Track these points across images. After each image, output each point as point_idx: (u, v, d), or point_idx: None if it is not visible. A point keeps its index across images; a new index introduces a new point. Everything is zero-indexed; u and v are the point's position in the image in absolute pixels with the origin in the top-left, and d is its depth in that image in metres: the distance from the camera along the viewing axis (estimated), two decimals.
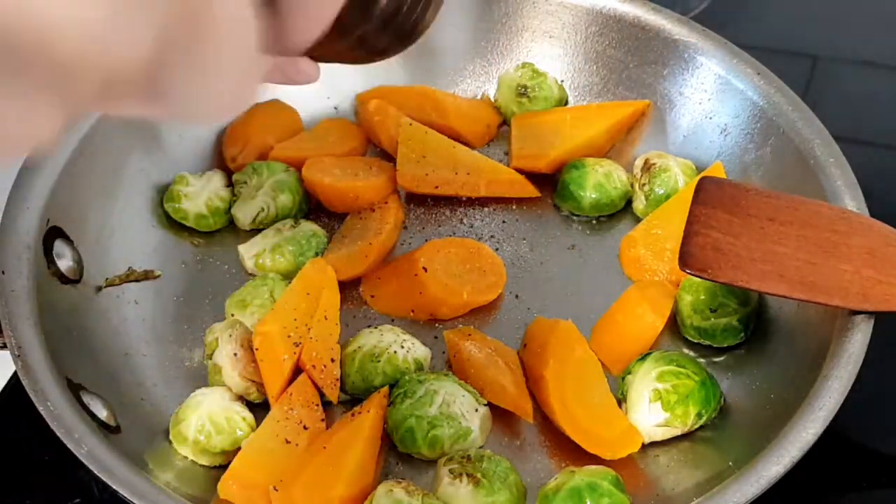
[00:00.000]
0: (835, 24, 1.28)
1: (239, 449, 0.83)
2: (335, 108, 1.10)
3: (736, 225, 0.85)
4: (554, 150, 1.03)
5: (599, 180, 1.01)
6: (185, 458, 0.84)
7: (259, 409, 0.87)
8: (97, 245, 0.94)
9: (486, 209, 1.03)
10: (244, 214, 1.00)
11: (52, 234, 0.90)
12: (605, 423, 0.85)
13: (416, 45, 1.16)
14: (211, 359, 0.88)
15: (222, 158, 1.05)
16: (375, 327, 0.91)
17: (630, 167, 1.04)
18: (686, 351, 0.91)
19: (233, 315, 0.92)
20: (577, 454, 0.84)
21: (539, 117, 1.06)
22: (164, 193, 1.01)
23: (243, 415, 0.85)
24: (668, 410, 0.84)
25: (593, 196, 1.00)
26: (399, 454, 0.85)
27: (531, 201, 1.03)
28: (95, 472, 0.75)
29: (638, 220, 1.01)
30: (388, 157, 1.05)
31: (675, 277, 0.94)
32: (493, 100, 1.10)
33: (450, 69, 1.12)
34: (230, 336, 0.88)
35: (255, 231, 1.00)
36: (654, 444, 0.86)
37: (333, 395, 0.87)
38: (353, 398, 0.88)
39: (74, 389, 0.81)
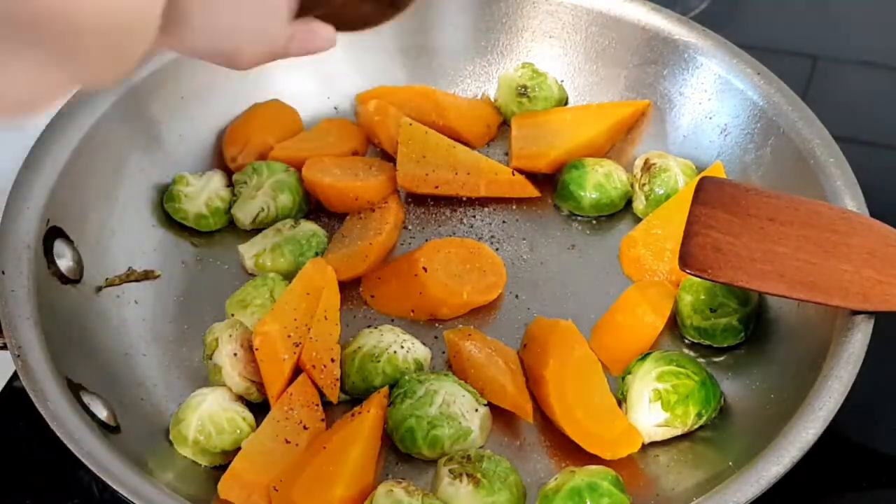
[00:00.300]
0: (835, 24, 1.28)
1: (239, 449, 0.83)
2: (335, 108, 1.10)
3: (736, 225, 0.85)
4: (554, 150, 1.03)
5: (599, 180, 1.01)
6: (185, 458, 0.84)
7: (259, 409, 0.87)
8: (97, 245, 0.94)
9: (486, 209, 1.03)
10: (244, 214, 1.00)
11: (52, 234, 0.90)
12: (605, 423, 0.85)
13: (416, 45, 1.17)
14: (211, 359, 0.88)
15: (222, 158, 1.05)
16: (375, 327, 0.91)
17: (630, 167, 1.04)
18: (686, 351, 0.91)
19: (233, 315, 0.92)
20: (577, 454, 0.84)
21: (539, 117, 1.06)
22: (164, 193, 1.01)
23: (243, 415, 0.85)
24: (668, 410, 0.84)
25: (593, 196, 1.00)
26: (399, 454, 0.85)
27: (531, 201, 1.03)
28: (95, 472, 0.75)
29: (638, 220, 1.01)
30: (388, 157, 1.05)
31: (675, 277, 0.94)
32: (493, 100, 1.10)
33: (450, 69, 1.12)
34: (230, 336, 0.88)
35: (255, 231, 1.00)
36: (654, 444, 0.86)
37: (333, 395, 0.87)
38: (353, 398, 0.88)
39: (74, 389, 0.81)
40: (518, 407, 0.86)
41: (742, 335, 0.91)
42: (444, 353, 0.92)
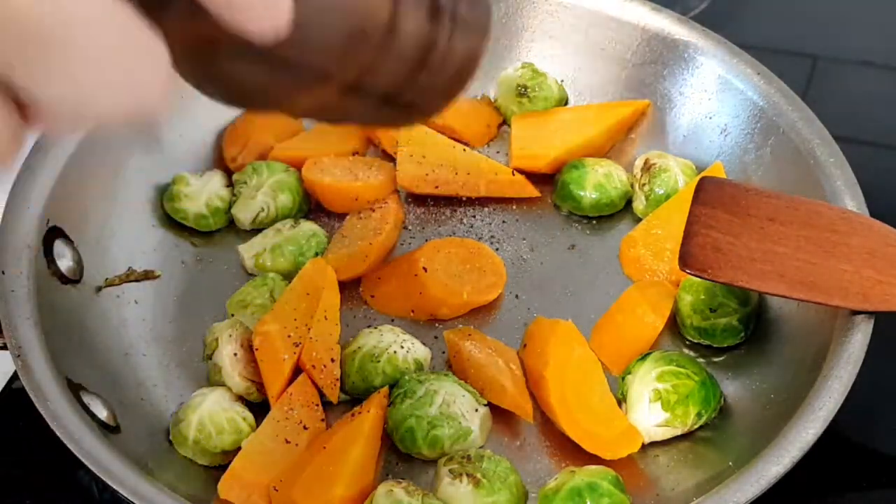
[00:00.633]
0: (835, 24, 1.28)
1: (239, 449, 0.83)
2: None
3: (736, 225, 0.85)
4: (554, 150, 1.03)
5: (599, 180, 1.01)
6: (185, 458, 0.84)
7: (259, 409, 0.86)
8: (97, 245, 0.94)
9: (486, 209, 1.03)
10: (244, 214, 1.00)
11: (52, 234, 0.90)
12: (605, 423, 0.85)
13: None
14: (211, 359, 0.88)
15: (222, 158, 1.05)
16: (375, 327, 0.91)
17: (630, 167, 1.04)
18: (686, 351, 0.91)
19: (233, 315, 0.92)
20: (577, 454, 0.84)
21: (539, 117, 1.06)
22: (164, 193, 1.01)
23: (243, 415, 0.85)
24: (668, 410, 0.84)
25: (593, 196, 1.00)
26: (399, 454, 0.85)
27: (531, 201, 1.03)
28: (95, 472, 0.75)
29: (638, 220, 1.01)
30: (388, 157, 1.05)
31: (675, 277, 0.94)
32: (493, 100, 1.10)
33: None
34: (230, 336, 0.88)
35: (255, 231, 1.00)
36: (654, 444, 0.86)
37: (333, 395, 0.87)
38: (353, 398, 0.88)
39: (74, 389, 0.81)
40: (518, 407, 0.86)
41: (742, 335, 0.91)
42: (444, 353, 0.92)
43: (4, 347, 0.81)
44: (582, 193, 1.00)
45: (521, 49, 1.10)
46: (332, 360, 0.87)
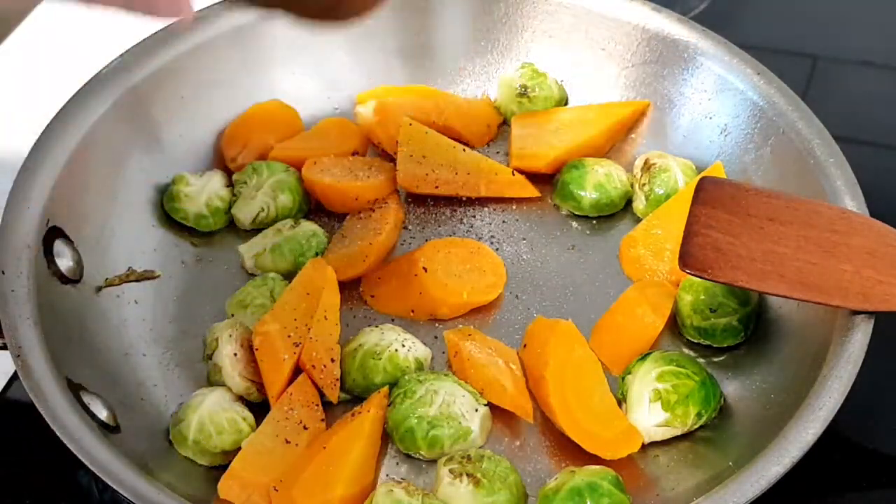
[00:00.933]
0: (835, 24, 1.28)
1: (239, 449, 0.83)
2: (335, 108, 1.10)
3: (736, 225, 0.85)
4: (554, 150, 1.03)
5: (599, 180, 1.01)
6: (185, 458, 0.84)
7: (259, 409, 0.86)
8: (97, 245, 0.94)
9: (486, 209, 1.03)
10: (244, 214, 1.00)
11: (52, 234, 0.90)
12: (605, 423, 0.85)
13: (416, 45, 1.16)
14: (211, 359, 0.88)
15: (222, 158, 1.05)
16: (376, 326, 0.91)
17: (630, 167, 1.04)
18: (686, 351, 0.91)
19: (233, 315, 0.92)
20: (577, 454, 0.84)
21: (539, 117, 1.06)
22: (164, 193, 1.01)
23: (243, 415, 0.85)
24: (668, 410, 0.84)
25: (593, 196, 1.00)
26: (399, 454, 0.85)
27: (531, 201, 1.03)
28: (95, 472, 0.75)
29: (638, 220, 1.01)
30: (388, 157, 1.05)
31: (675, 277, 0.94)
32: (493, 100, 1.10)
33: (450, 69, 1.12)
34: (230, 336, 0.88)
35: (255, 231, 1.00)
36: (654, 444, 0.86)
37: (333, 395, 0.87)
38: (353, 398, 0.88)
39: (74, 389, 0.81)
40: (518, 407, 0.86)
41: (742, 335, 0.91)
42: (444, 353, 0.92)
43: (4, 347, 0.81)
44: (582, 193, 1.00)
45: (521, 49, 1.10)
46: (332, 360, 0.87)
